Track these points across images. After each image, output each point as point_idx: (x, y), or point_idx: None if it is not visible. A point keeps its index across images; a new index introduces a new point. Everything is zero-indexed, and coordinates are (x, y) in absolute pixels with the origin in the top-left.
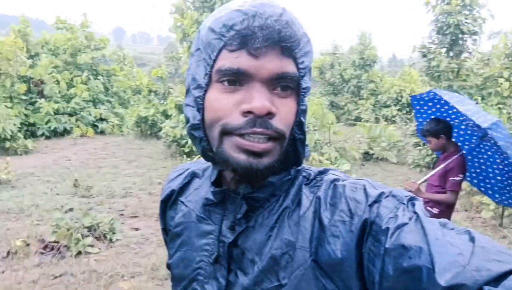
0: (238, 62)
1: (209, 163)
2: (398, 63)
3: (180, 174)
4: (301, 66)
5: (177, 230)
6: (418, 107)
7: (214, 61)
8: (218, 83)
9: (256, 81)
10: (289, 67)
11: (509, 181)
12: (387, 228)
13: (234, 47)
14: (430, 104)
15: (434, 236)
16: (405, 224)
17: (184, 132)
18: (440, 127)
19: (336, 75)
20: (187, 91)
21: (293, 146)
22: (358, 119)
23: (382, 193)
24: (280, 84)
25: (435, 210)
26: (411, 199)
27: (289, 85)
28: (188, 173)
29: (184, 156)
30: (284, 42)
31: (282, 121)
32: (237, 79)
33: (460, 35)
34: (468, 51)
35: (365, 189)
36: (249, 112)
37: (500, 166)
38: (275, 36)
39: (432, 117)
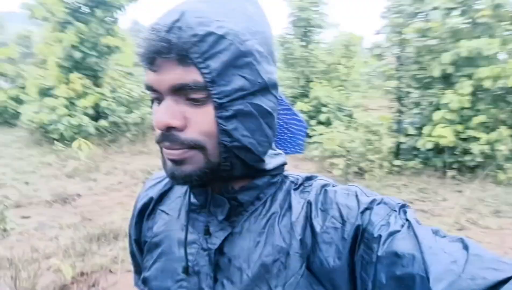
0: (147, 79)
1: None
2: None
3: (159, 182)
4: (205, 70)
5: (155, 240)
6: None
7: None
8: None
9: (164, 95)
10: (188, 76)
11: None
12: (379, 236)
13: (144, 65)
14: None
15: (428, 244)
16: (397, 231)
17: (52, 117)
18: None
19: None
20: None
21: (231, 153)
22: None
23: (374, 200)
24: (186, 95)
25: None
26: (403, 207)
27: (194, 96)
28: (168, 181)
29: (55, 142)
30: (177, 50)
31: (195, 132)
32: (156, 95)
33: (309, 28)
34: (315, 42)
35: (356, 196)
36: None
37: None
38: (166, 47)
39: None
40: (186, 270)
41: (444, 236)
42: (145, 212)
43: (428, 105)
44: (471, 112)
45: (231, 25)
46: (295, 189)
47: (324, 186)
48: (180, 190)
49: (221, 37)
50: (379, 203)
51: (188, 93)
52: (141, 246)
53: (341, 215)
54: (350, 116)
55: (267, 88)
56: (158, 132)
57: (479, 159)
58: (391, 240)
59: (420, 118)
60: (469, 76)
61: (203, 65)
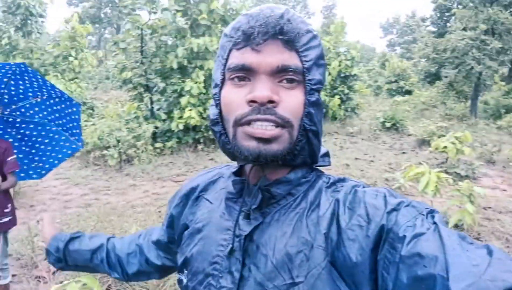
0: (243, 58)
1: (236, 166)
2: None
3: (209, 172)
4: (304, 59)
5: (198, 226)
6: None
7: (226, 60)
8: (230, 80)
9: (260, 74)
10: (291, 60)
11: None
12: (404, 236)
13: (240, 45)
14: None
15: (452, 246)
16: (423, 233)
17: None
18: None
19: None
20: None
21: (306, 137)
22: None
23: (402, 202)
24: (284, 76)
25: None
26: (431, 211)
27: (293, 77)
28: (217, 173)
29: None
30: (283, 35)
31: (287, 110)
32: (244, 74)
33: (30, 17)
34: (38, 32)
35: (385, 197)
36: (253, 101)
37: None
38: (274, 31)
39: None
40: (230, 251)
41: (471, 243)
42: (191, 196)
43: (172, 92)
44: (206, 96)
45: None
46: (326, 188)
47: (354, 186)
48: (224, 183)
49: (315, 37)
50: (407, 206)
51: (287, 75)
52: (173, 219)
53: (367, 214)
54: (92, 108)
55: (323, 85)
56: (246, 108)
57: None
58: (415, 241)
59: (167, 105)
60: (201, 67)
61: (304, 54)
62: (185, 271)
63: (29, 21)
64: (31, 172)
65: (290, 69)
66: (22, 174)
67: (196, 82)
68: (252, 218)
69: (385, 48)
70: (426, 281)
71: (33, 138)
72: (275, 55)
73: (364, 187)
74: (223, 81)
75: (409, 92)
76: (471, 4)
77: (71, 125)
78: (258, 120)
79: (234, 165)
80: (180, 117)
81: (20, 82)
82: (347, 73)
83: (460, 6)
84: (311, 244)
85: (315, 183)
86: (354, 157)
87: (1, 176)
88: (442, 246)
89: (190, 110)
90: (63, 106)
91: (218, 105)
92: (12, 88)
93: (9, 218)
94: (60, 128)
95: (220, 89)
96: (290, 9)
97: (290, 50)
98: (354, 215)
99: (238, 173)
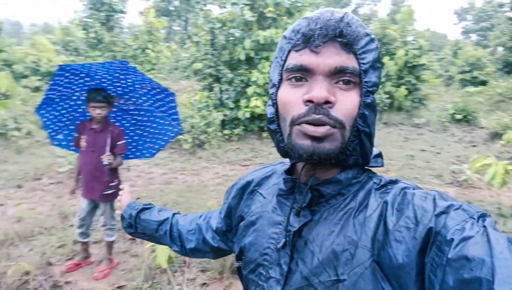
0: (302, 59)
1: (288, 164)
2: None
3: (264, 168)
4: (362, 61)
5: (252, 219)
6: (66, 78)
7: (284, 61)
8: (287, 81)
9: (318, 75)
10: (349, 62)
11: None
12: (452, 239)
13: (299, 47)
14: (82, 74)
15: (499, 250)
16: (471, 237)
17: None
18: (109, 95)
19: None
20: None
21: (358, 138)
22: None
23: (452, 205)
24: (341, 77)
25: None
26: (483, 216)
27: (350, 79)
28: (271, 170)
29: None
30: (342, 38)
31: (341, 111)
32: (302, 75)
33: (112, 13)
34: (119, 27)
35: (434, 200)
36: (310, 101)
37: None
38: (333, 33)
39: (94, 87)
40: (284, 244)
41: None
42: (246, 190)
43: (240, 82)
44: None
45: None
46: (376, 189)
47: (404, 188)
48: (277, 179)
49: (373, 40)
50: (456, 209)
51: (345, 76)
52: (230, 210)
53: (416, 216)
54: None
55: (378, 86)
56: (302, 108)
57: None
58: (463, 244)
59: (235, 94)
60: (267, 58)
61: (362, 56)
62: (241, 260)
63: (111, 17)
64: (144, 151)
65: (348, 71)
66: (138, 153)
67: (262, 73)
68: (302, 215)
69: (460, 36)
70: (472, 284)
71: (144, 123)
72: (333, 57)
73: (414, 189)
74: (280, 82)
75: (483, 83)
76: None
77: (171, 111)
78: (314, 119)
79: (287, 162)
80: (247, 106)
81: (128, 76)
82: (415, 63)
83: None
84: (357, 244)
85: (366, 184)
86: (419, 149)
87: (112, 154)
88: (489, 250)
89: (256, 99)
90: (162, 95)
91: (274, 104)
92: (122, 82)
93: (114, 190)
94: (164, 114)
95: (277, 89)
96: (349, 13)
97: (348, 52)
98: (402, 216)
99: (290, 171)
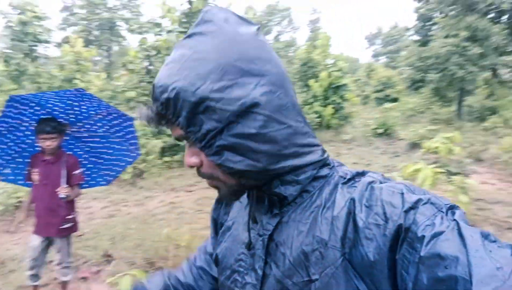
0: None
1: None
2: None
3: None
4: (180, 126)
5: (229, 224)
6: (16, 108)
7: None
8: None
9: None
10: (176, 132)
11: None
12: (423, 236)
13: None
14: (32, 104)
15: (474, 247)
16: (442, 232)
17: None
18: (60, 124)
19: None
20: None
21: (239, 175)
22: None
23: (420, 199)
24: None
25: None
26: (451, 208)
27: (191, 143)
28: None
29: None
30: (163, 118)
31: (207, 166)
32: None
33: (37, 43)
34: (45, 57)
35: (402, 194)
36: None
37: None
38: (160, 117)
39: (43, 117)
40: (248, 246)
41: (494, 241)
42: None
43: None
44: None
45: (181, 82)
46: (343, 184)
47: (371, 182)
48: None
49: (176, 99)
50: (425, 203)
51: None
52: (216, 223)
53: (385, 213)
54: None
55: (245, 111)
56: None
57: None
58: (435, 241)
59: None
60: None
61: (177, 123)
62: (218, 267)
63: (36, 47)
64: (99, 179)
65: (180, 139)
66: (93, 182)
67: None
68: (270, 218)
69: (371, 59)
70: (447, 282)
71: (99, 150)
72: (172, 130)
73: (381, 182)
74: None
75: (395, 100)
76: (452, 13)
77: (129, 136)
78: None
79: None
80: None
81: (82, 103)
82: (338, 83)
83: (442, 15)
84: (326, 243)
85: (331, 178)
86: (351, 162)
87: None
88: (463, 247)
89: None
90: (120, 120)
91: None
92: (76, 109)
93: (72, 224)
94: (121, 140)
95: None
96: (159, 79)
97: (171, 124)
98: (371, 213)
99: None
